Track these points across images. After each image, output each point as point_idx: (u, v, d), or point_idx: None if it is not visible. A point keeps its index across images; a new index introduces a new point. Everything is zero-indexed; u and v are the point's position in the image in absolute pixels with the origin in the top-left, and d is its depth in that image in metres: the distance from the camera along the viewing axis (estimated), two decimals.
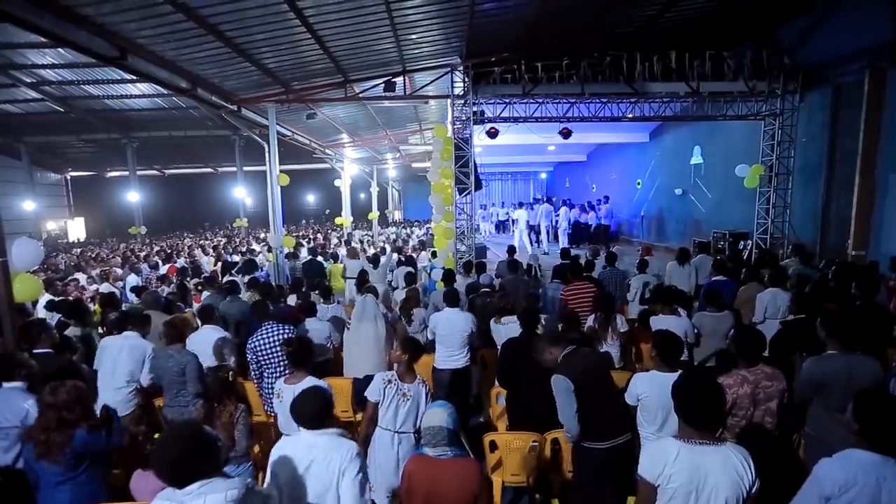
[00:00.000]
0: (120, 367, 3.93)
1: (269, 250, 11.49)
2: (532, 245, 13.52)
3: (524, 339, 3.74)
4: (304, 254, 11.38)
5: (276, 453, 2.34)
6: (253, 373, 4.12)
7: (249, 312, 5.36)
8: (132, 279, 8.82)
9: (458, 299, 4.79)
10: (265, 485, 2.31)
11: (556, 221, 14.41)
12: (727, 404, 2.75)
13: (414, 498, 2.31)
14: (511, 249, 7.66)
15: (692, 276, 6.80)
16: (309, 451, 2.28)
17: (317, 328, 4.85)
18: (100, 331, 5.13)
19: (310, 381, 3.10)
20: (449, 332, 4.48)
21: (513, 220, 16.86)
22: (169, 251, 13.14)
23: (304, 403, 2.36)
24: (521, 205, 16.42)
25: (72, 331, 4.78)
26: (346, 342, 4.75)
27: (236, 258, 11.66)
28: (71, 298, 6.62)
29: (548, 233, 14.30)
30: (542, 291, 6.22)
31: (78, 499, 2.54)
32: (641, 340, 4.78)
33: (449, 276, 6.12)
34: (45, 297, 6.60)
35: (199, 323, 4.81)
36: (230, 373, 3.27)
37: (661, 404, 2.82)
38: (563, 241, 13.71)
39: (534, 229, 14.62)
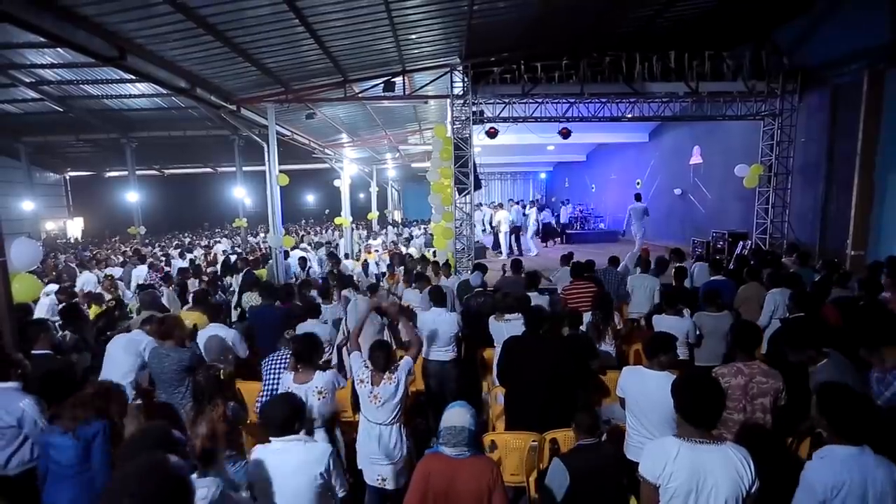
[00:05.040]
0: (118, 361, 3.94)
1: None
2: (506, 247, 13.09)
3: (527, 339, 3.73)
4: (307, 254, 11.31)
5: (252, 463, 2.35)
6: None
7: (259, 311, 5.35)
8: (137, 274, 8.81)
9: (445, 298, 4.78)
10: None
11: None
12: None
13: (431, 496, 2.30)
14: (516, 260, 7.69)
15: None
16: (283, 458, 2.31)
17: (317, 331, 4.82)
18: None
19: (319, 378, 3.11)
20: (434, 332, 4.53)
21: (491, 224, 16.37)
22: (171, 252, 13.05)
23: (272, 410, 2.39)
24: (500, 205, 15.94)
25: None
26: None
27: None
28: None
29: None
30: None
31: (80, 495, 2.58)
32: (640, 340, 4.79)
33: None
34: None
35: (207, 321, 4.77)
36: (221, 371, 3.25)
37: (640, 397, 2.90)
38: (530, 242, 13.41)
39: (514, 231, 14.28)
